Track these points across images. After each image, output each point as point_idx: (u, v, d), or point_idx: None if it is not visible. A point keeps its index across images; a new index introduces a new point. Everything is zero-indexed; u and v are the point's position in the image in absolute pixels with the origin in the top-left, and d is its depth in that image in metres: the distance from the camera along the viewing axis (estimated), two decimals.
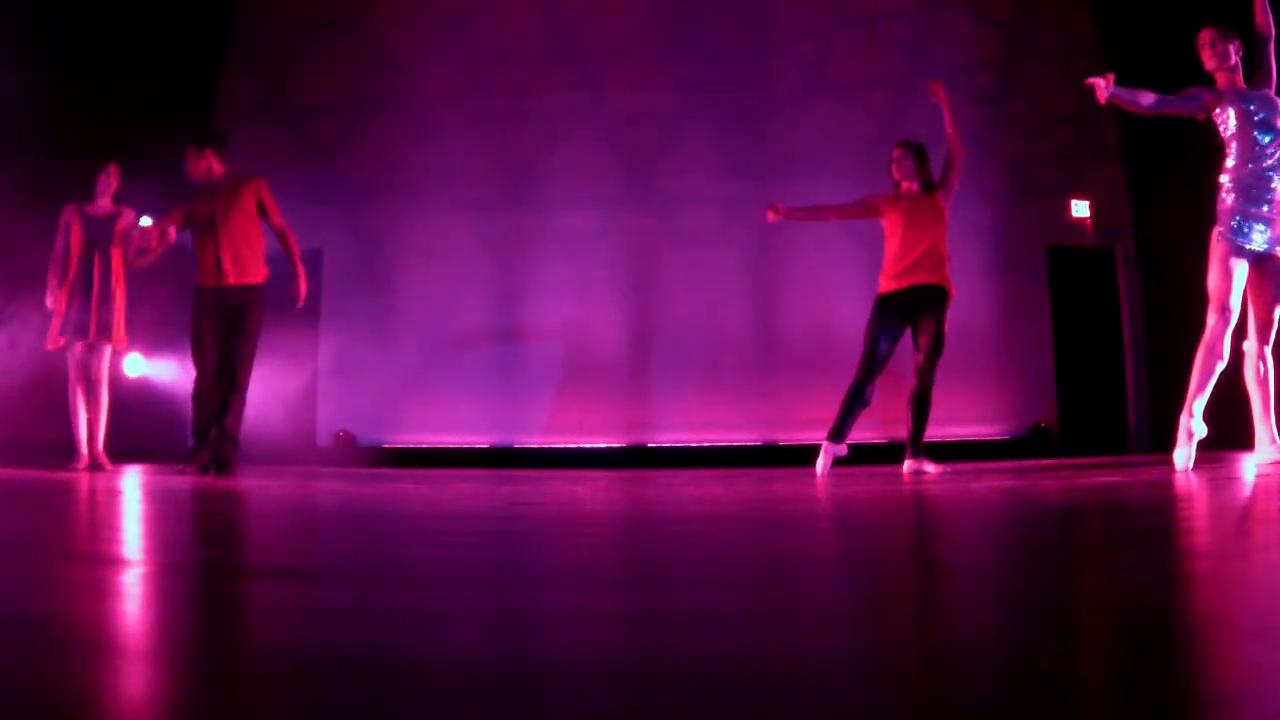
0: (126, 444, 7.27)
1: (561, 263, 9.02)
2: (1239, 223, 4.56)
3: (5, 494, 4.12)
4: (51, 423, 6.82)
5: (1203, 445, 4.69)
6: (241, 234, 5.90)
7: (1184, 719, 0.87)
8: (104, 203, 6.51)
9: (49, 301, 6.38)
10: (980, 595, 1.58)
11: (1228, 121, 4.62)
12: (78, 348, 6.40)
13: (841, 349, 6.81)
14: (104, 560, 2.07)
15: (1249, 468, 4.66)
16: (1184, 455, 4.63)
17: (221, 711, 0.92)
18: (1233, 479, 4.13)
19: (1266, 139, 4.55)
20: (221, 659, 1.15)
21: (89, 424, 6.42)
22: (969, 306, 7.11)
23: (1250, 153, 4.56)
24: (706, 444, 8.78)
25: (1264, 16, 4.68)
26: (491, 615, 1.45)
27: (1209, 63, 4.69)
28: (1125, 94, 4.69)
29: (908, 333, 5.55)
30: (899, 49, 9.27)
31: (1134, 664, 1.08)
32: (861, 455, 6.13)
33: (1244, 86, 4.66)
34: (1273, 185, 4.56)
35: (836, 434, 5.56)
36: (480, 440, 8.91)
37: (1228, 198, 4.61)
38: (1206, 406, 4.59)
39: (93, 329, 6.36)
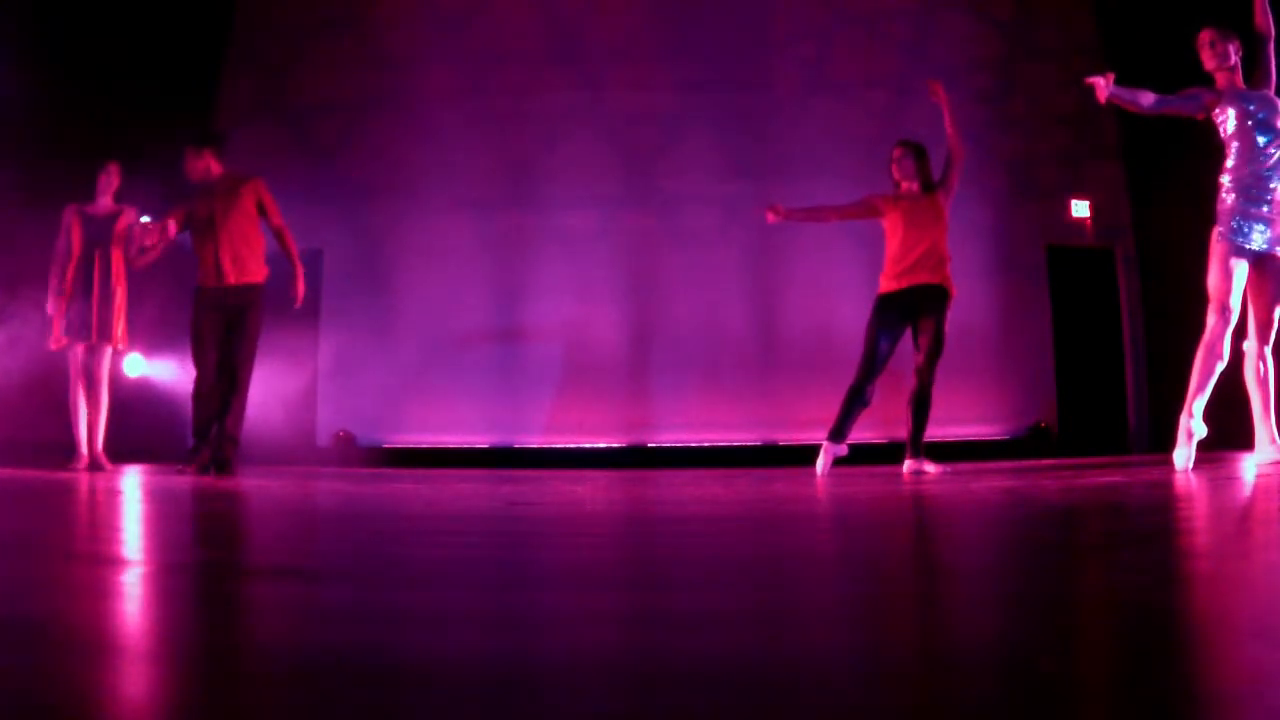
0: (126, 444, 7.27)
1: (561, 263, 9.02)
2: (1239, 223, 4.56)
3: (5, 494, 4.12)
4: (51, 423, 6.82)
5: (1203, 445, 4.69)
6: (240, 234, 5.90)
7: (1184, 719, 0.87)
8: (105, 201, 6.51)
9: (49, 307, 6.39)
10: (980, 595, 1.58)
11: (1227, 122, 4.62)
12: (79, 348, 6.41)
13: (841, 349, 6.81)
14: (104, 560, 2.07)
15: (1249, 468, 4.66)
16: (1184, 455, 4.63)
17: (221, 711, 0.92)
18: (1233, 479, 4.13)
19: (1266, 139, 4.55)
20: (221, 659, 1.15)
21: (89, 424, 6.42)
22: (969, 306, 7.11)
23: (1250, 153, 4.56)
24: (706, 444, 8.78)
25: (1264, 17, 4.68)
26: (491, 615, 1.45)
27: (1209, 63, 4.69)
28: (1125, 94, 4.69)
29: (908, 333, 5.55)
30: (899, 49, 9.27)
31: (1134, 664, 1.08)
32: (861, 455, 6.12)
33: (1244, 87, 4.66)
34: (1272, 185, 4.56)
35: (837, 434, 5.56)
36: (480, 440, 8.91)
37: (1228, 198, 4.61)
38: (1206, 406, 4.59)
39: (93, 329, 6.36)
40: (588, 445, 8.84)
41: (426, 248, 9.10)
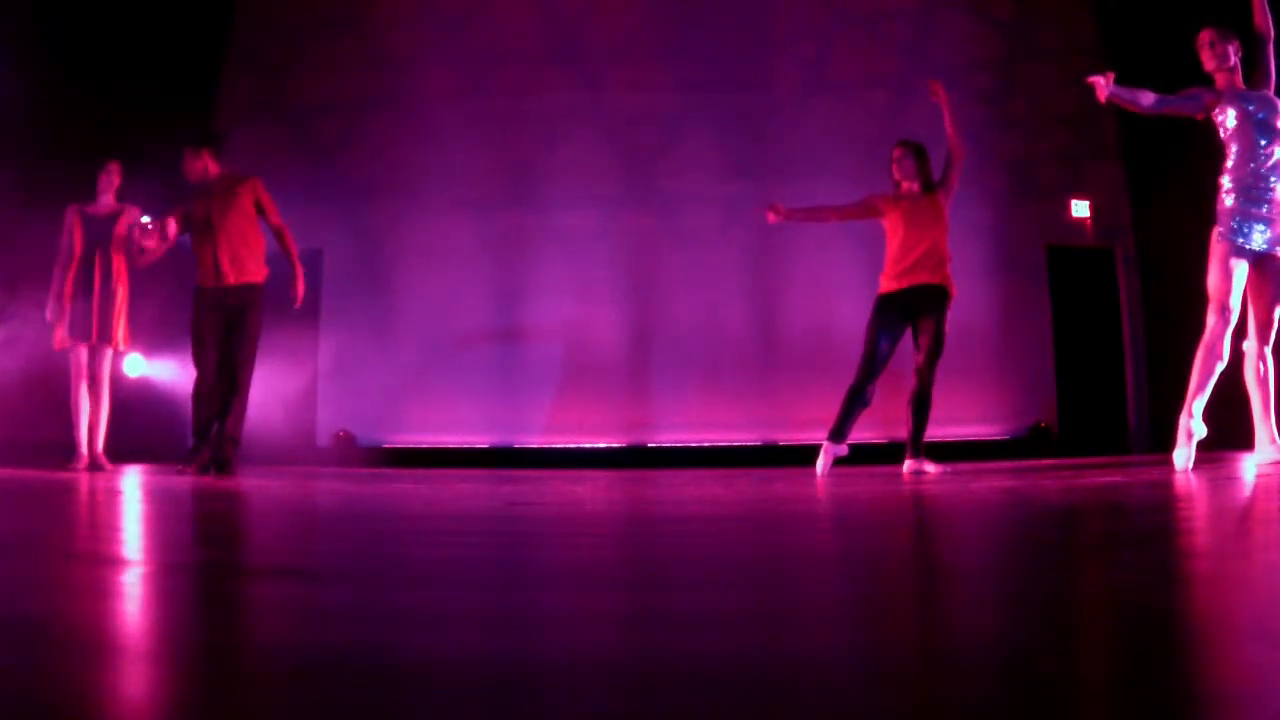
0: (126, 444, 7.27)
1: (561, 263, 9.02)
2: (1239, 223, 4.56)
3: (5, 494, 4.12)
4: (51, 423, 6.82)
5: (1203, 445, 4.69)
6: (239, 234, 5.90)
7: (1184, 719, 0.87)
8: (106, 200, 6.51)
9: (49, 312, 6.38)
10: (980, 595, 1.58)
11: (1227, 122, 4.62)
12: (81, 348, 6.41)
13: (841, 349, 6.81)
14: (104, 560, 2.07)
15: (1249, 468, 4.66)
16: (1184, 455, 4.63)
17: (221, 711, 0.92)
18: (1233, 479, 4.13)
19: (1266, 140, 4.55)
20: (221, 659, 1.15)
21: (90, 424, 6.42)
22: (969, 306, 7.11)
23: (1250, 153, 4.56)
24: (706, 444, 8.78)
25: (1263, 17, 4.68)
26: (491, 615, 1.45)
27: (1208, 63, 4.69)
28: (1125, 93, 4.69)
29: (908, 333, 5.55)
30: (899, 49, 9.27)
31: (1134, 664, 1.08)
32: (861, 455, 6.12)
33: (1243, 87, 4.66)
34: (1272, 185, 4.56)
35: (837, 434, 5.56)
36: (480, 440, 8.91)
37: (1228, 198, 4.61)
38: (1206, 406, 4.59)
39: (94, 330, 6.36)
40: (588, 445, 8.85)
41: (426, 248, 9.10)
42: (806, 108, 9.18)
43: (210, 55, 9.25)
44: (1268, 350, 4.64)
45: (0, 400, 6.70)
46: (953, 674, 1.04)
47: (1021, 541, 2.44)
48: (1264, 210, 4.55)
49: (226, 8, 9.40)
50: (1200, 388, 4.55)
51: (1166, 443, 5.21)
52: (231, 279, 5.86)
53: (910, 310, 5.50)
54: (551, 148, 9.19)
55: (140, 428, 7.87)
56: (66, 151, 7.16)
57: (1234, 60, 4.65)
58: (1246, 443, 4.86)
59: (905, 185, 5.63)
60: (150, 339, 7.83)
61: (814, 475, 5.42)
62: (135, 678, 1.06)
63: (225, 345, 5.85)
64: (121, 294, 6.44)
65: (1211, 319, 4.54)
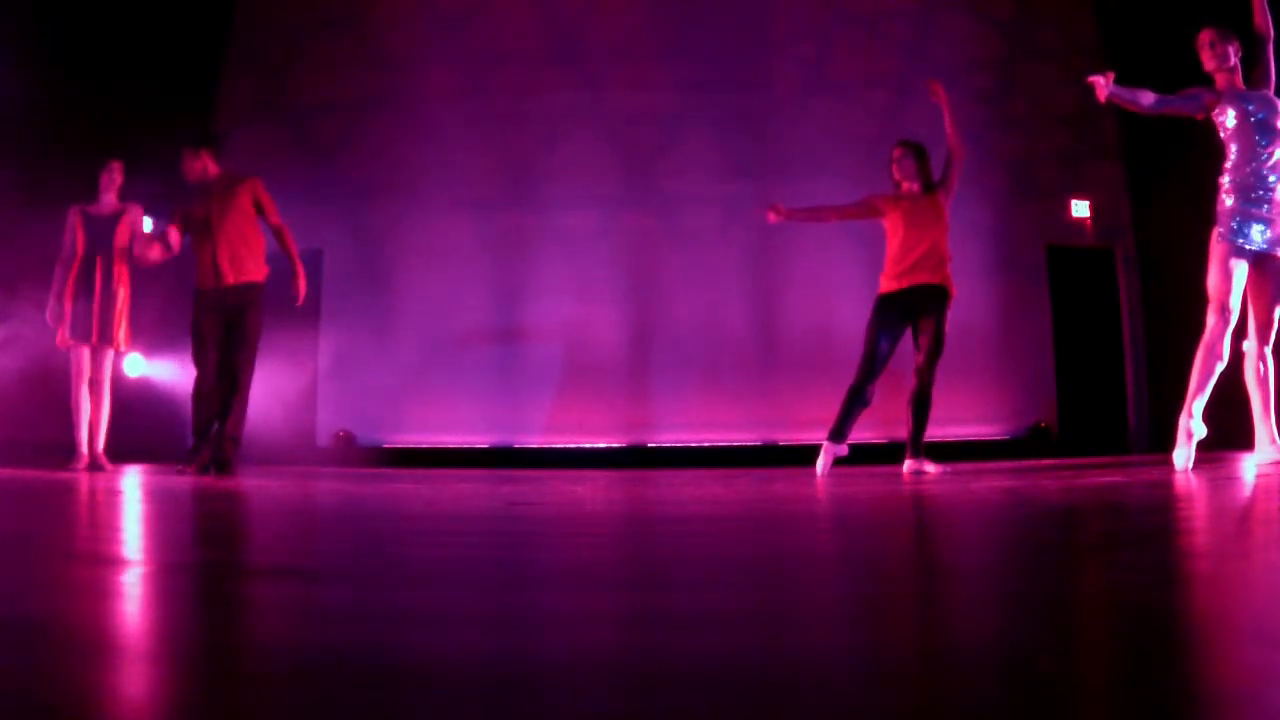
0: (126, 444, 7.27)
1: (561, 263, 9.02)
2: (1239, 223, 4.56)
3: (5, 494, 4.12)
4: (51, 423, 6.81)
5: (1203, 445, 4.69)
6: (238, 234, 5.89)
7: (1184, 719, 0.87)
8: (108, 199, 6.51)
9: (49, 314, 6.38)
10: (980, 595, 1.58)
11: (1227, 122, 4.62)
12: (82, 349, 6.41)
13: (841, 349, 6.81)
14: (104, 560, 2.07)
15: (1249, 468, 4.66)
16: (1184, 455, 4.63)
17: (221, 711, 0.92)
18: (1233, 479, 4.13)
19: (1266, 140, 4.55)
20: (221, 659, 1.15)
21: (90, 424, 6.42)
22: (969, 306, 7.11)
23: (1250, 153, 4.56)
24: (706, 444, 8.78)
25: (1263, 17, 4.68)
26: (491, 615, 1.45)
27: (1208, 63, 4.69)
28: (1125, 93, 4.69)
29: (908, 333, 5.55)
30: (899, 49, 9.27)
31: (1134, 664, 1.08)
32: (861, 455, 6.12)
33: (1243, 87, 4.66)
34: (1272, 185, 4.56)
35: (837, 434, 5.56)
36: (480, 440, 8.91)
37: (1227, 198, 4.61)
38: (1206, 406, 4.59)
39: (95, 331, 6.36)
40: (588, 445, 8.85)
41: (426, 248, 9.10)
42: (806, 108, 9.18)
43: (210, 55, 9.25)
44: (1268, 350, 4.64)
45: (0, 400, 6.69)
46: (953, 674, 1.04)
47: (1021, 541, 2.44)
48: (1264, 210, 4.56)
49: (226, 8, 9.40)
50: (1200, 388, 4.55)
51: (1166, 443, 5.21)
52: (231, 279, 5.86)
53: (910, 310, 5.50)
54: (551, 148, 9.19)
55: (140, 428, 7.87)
56: (66, 151, 7.16)
57: (1234, 60, 4.65)
58: (1246, 443, 4.86)
59: (905, 185, 5.63)
60: (150, 339, 7.83)
61: (814, 475, 5.42)
62: (135, 678, 1.06)
63: (225, 345, 5.85)
64: (123, 295, 6.44)
65: (1211, 319, 4.54)
